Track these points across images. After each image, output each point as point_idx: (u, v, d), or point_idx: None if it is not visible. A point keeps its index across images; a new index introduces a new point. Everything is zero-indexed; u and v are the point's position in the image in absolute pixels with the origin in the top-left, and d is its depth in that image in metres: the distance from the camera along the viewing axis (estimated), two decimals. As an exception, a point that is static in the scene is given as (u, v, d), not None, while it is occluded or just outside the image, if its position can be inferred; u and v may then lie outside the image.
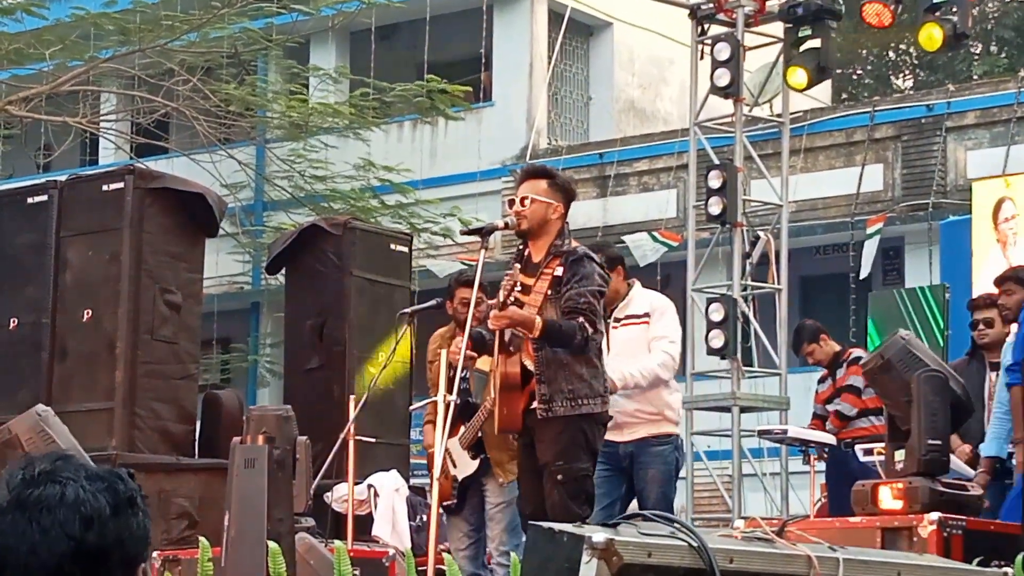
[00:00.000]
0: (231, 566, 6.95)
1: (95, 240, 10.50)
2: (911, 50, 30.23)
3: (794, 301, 17.87)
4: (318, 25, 21.36)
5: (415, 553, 7.80)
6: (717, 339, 13.62)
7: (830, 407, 11.23)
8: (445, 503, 8.55)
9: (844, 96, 28.69)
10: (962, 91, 19.97)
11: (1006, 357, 8.84)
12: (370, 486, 9.70)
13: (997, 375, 9.53)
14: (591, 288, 7.01)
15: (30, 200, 10.88)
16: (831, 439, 10.92)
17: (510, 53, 22.51)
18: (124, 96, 21.39)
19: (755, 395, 14.18)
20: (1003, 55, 28.57)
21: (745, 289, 14.09)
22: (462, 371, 7.38)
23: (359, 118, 20.45)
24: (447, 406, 7.04)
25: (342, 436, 9.04)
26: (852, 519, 7.87)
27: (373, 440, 9.58)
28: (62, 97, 20.37)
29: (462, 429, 8.53)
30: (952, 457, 8.45)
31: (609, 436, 7.91)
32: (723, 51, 13.82)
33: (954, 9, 13.14)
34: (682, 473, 14.25)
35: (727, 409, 13.94)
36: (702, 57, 14.32)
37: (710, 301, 13.88)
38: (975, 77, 25.99)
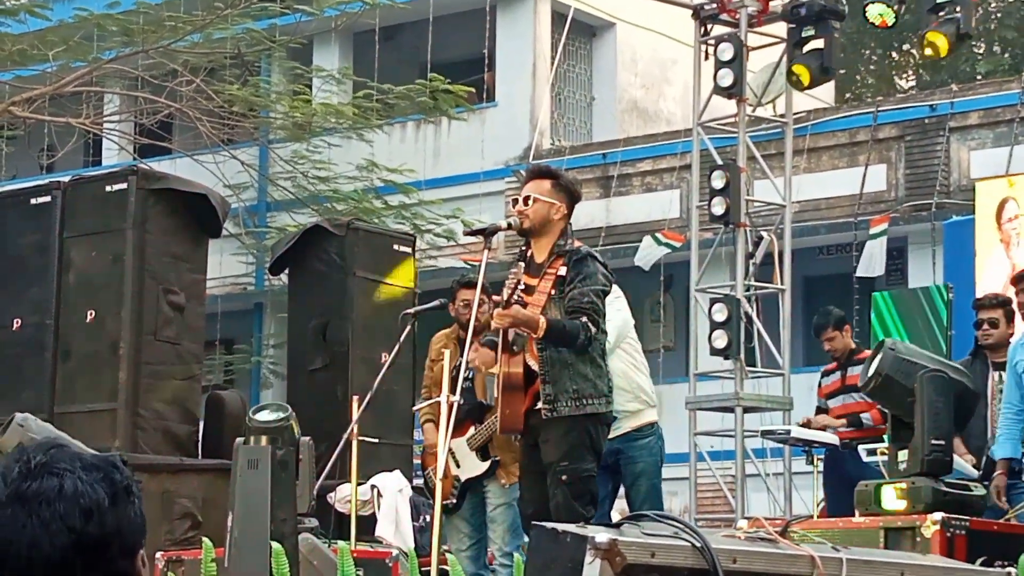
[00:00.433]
0: (234, 567, 6.96)
1: (98, 241, 10.51)
2: (914, 50, 30.23)
3: (797, 301, 17.86)
4: (321, 26, 21.37)
5: (418, 553, 7.81)
6: (720, 339, 13.62)
7: (832, 403, 11.22)
8: (443, 502, 8.56)
9: (847, 96, 28.69)
10: (965, 91, 19.96)
11: (1017, 355, 8.82)
12: (373, 486, 9.70)
13: (1001, 375, 9.53)
14: (595, 288, 7.02)
15: (33, 201, 10.89)
16: (834, 439, 10.91)
17: (513, 53, 22.51)
18: (127, 97, 21.39)
19: (758, 395, 14.17)
20: (1006, 55, 28.56)
21: (748, 289, 14.09)
22: (466, 372, 7.39)
23: (362, 119, 20.46)
24: (450, 406, 7.05)
25: (345, 436, 9.04)
26: (855, 519, 7.87)
27: (376, 441, 9.58)
28: (65, 98, 20.38)
29: (471, 430, 8.53)
30: (956, 457, 8.45)
31: None
32: (726, 51, 13.82)
33: (957, 9, 13.12)
34: (685, 473, 14.41)
35: (730, 409, 13.94)
36: (706, 57, 14.32)
37: (713, 301, 13.87)
38: (978, 77, 25.99)
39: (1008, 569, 5.58)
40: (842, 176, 19.89)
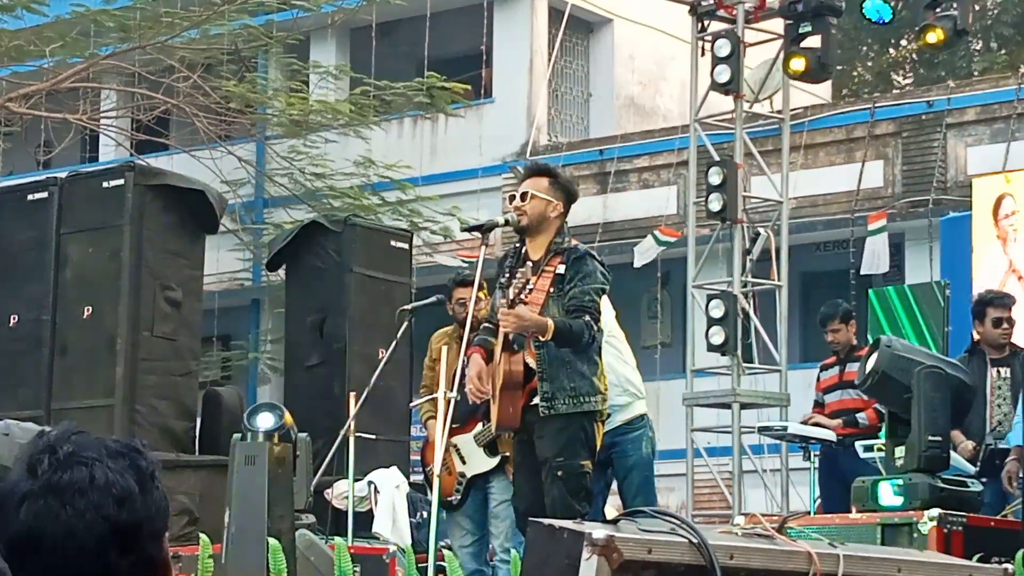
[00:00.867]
0: (232, 563, 6.96)
1: (95, 237, 10.51)
2: (911, 47, 30.22)
3: (794, 298, 17.87)
4: (318, 22, 21.35)
5: (415, 550, 7.82)
6: (717, 335, 13.61)
7: (829, 397, 11.22)
8: (446, 499, 8.55)
9: (844, 92, 28.68)
10: (962, 87, 19.96)
11: None
12: (370, 483, 9.71)
13: (999, 371, 9.55)
14: (595, 286, 7.05)
15: (30, 197, 10.89)
16: (831, 436, 10.92)
17: (510, 50, 22.49)
18: (124, 93, 21.38)
19: (755, 391, 14.18)
20: (1003, 52, 28.55)
21: (745, 285, 14.09)
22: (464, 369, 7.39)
23: (359, 116, 20.45)
24: (447, 403, 7.05)
25: (342, 433, 9.05)
26: (852, 515, 7.88)
27: (373, 437, 9.59)
28: (62, 94, 20.36)
29: (479, 426, 8.51)
30: (952, 453, 8.45)
31: None
32: (723, 47, 13.82)
33: (954, 5, 13.12)
34: (682, 470, 14.40)
35: (727, 405, 13.95)
36: (702, 53, 14.31)
37: (710, 298, 13.87)
38: (975, 73, 25.98)
39: (1005, 565, 5.59)
40: (839, 172, 19.88)
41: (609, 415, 7.46)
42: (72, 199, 10.70)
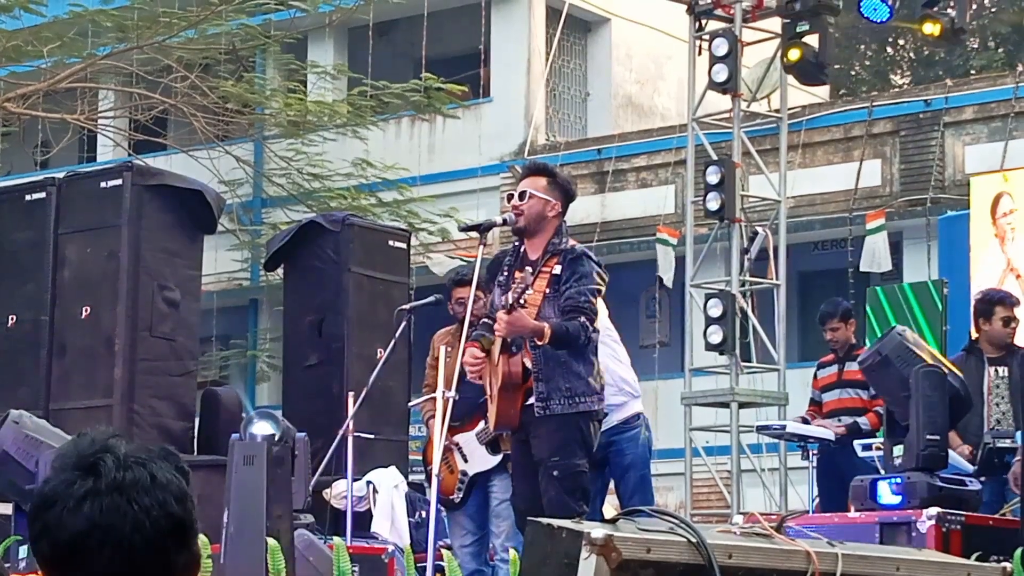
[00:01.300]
0: (230, 563, 6.96)
1: (93, 237, 10.51)
2: (908, 46, 30.24)
3: (792, 297, 17.86)
4: (316, 21, 21.36)
5: (414, 549, 7.82)
6: (715, 335, 13.61)
7: (826, 396, 11.22)
8: (448, 497, 8.55)
9: (842, 91, 28.68)
10: (960, 86, 19.96)
11: None
12: (369, 482, 9.71)
13: (997, 370, 9.55)
14: (591, 287, 7.05)
15: (28, 197, 10.89)
16: (829, 435, 10.91)
17: (508, 49, 22.49)
18: (122, 93, 21.38)
19: (753, 391, 14.18)
20: (1000, 50, 28.57)
21: (743, 285, 14.09)
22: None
23: (357, 116, 20.45)
24: (446, 402, 7.05)
25: (341, 432, 9.05)
26: (851, 514, 7.88)
27: (372, 436, 9.59)
28: (60, 94, 20.37)
29: (480, 424, 8.51)
30: (951, 452, 8.46)
31: None
32: (721, 47, 13.82)
33: (952, 4, 13.13)
34: (680, 469, 14.40)
35: (725, 405, 13.95)
36: (700, 53, 14.32)
37: (708, 297, 13.88)
38: (972, 72, 25.98)
39: (1003, 564, 5.59)
40: (837, 171, 19.88)
41: (606, 414, 7.46)
42: (70, 199, 10.70)
